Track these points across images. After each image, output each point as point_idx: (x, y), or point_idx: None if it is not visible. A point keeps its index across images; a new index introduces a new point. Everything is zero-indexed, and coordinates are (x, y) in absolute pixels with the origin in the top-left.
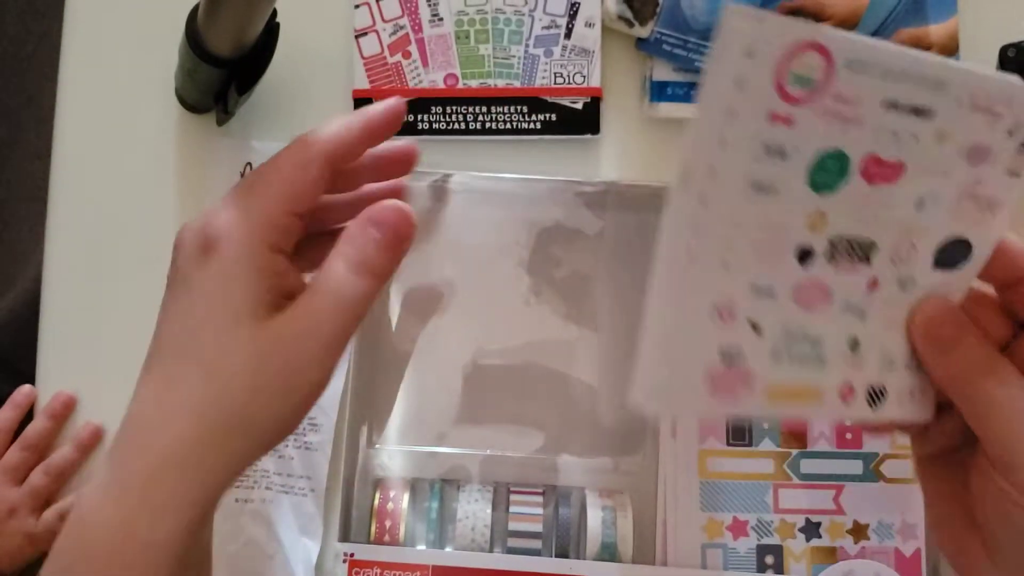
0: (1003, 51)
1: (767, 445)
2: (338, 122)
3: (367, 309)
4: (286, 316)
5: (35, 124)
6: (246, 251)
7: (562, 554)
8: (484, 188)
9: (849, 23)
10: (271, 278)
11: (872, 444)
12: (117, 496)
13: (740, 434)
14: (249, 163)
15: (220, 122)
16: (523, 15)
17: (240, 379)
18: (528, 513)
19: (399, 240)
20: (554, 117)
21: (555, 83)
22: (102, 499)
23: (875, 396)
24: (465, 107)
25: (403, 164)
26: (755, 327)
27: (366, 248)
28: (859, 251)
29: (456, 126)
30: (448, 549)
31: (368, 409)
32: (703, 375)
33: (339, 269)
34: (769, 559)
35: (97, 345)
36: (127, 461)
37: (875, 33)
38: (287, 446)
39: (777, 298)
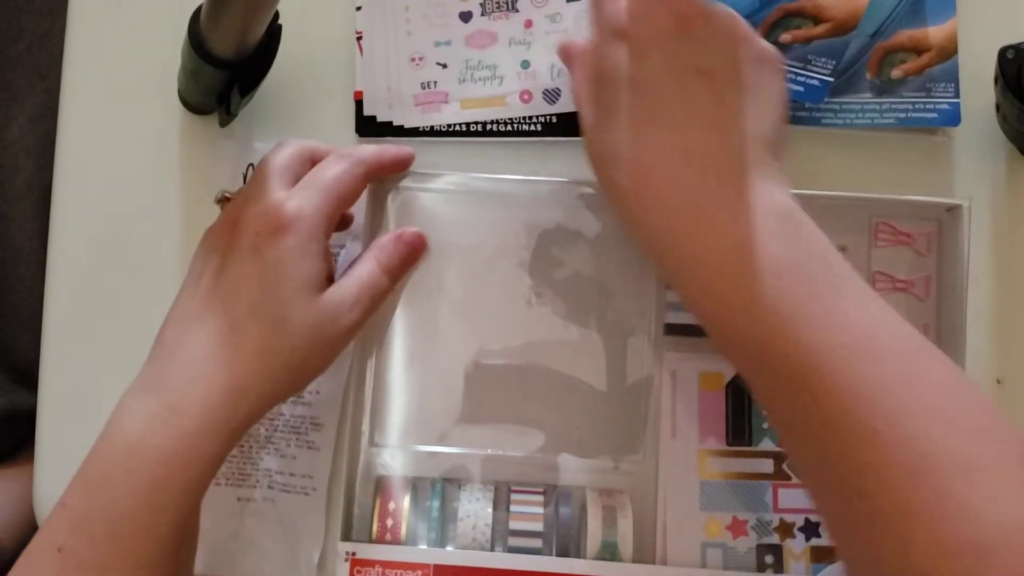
0: (1002, 52)
1: (767, 445)
2: (376, 148)
3: (384, 298)
4: (336, 293)
5: (33, 123)
6: (316, 234)
7: (563, 553)
8: (484, 189)
9: (848, 24)
10: (327, 259)
11: None
12: (172, 422)
13: (740, 434)
14: (251, 164)
15: (223, 123)
16: None
17: (301, 337)
18: (529, 512)
19: (415, 257)
20: (555, 119)
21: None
22: (151, 425)
23: (551, 95)
24: None
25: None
26: (443, 65)
27: (394, 257)
28: (505, 5)
29: (456, 127)
30: (449, 548)
31: (370, 408)
32: (412, 98)
33: (374, 267)
34: (769, 558)
35: (101, 345)
36: (184, 392)
37: (874, 34)
38: (289, 445)
39: (454, 46)
